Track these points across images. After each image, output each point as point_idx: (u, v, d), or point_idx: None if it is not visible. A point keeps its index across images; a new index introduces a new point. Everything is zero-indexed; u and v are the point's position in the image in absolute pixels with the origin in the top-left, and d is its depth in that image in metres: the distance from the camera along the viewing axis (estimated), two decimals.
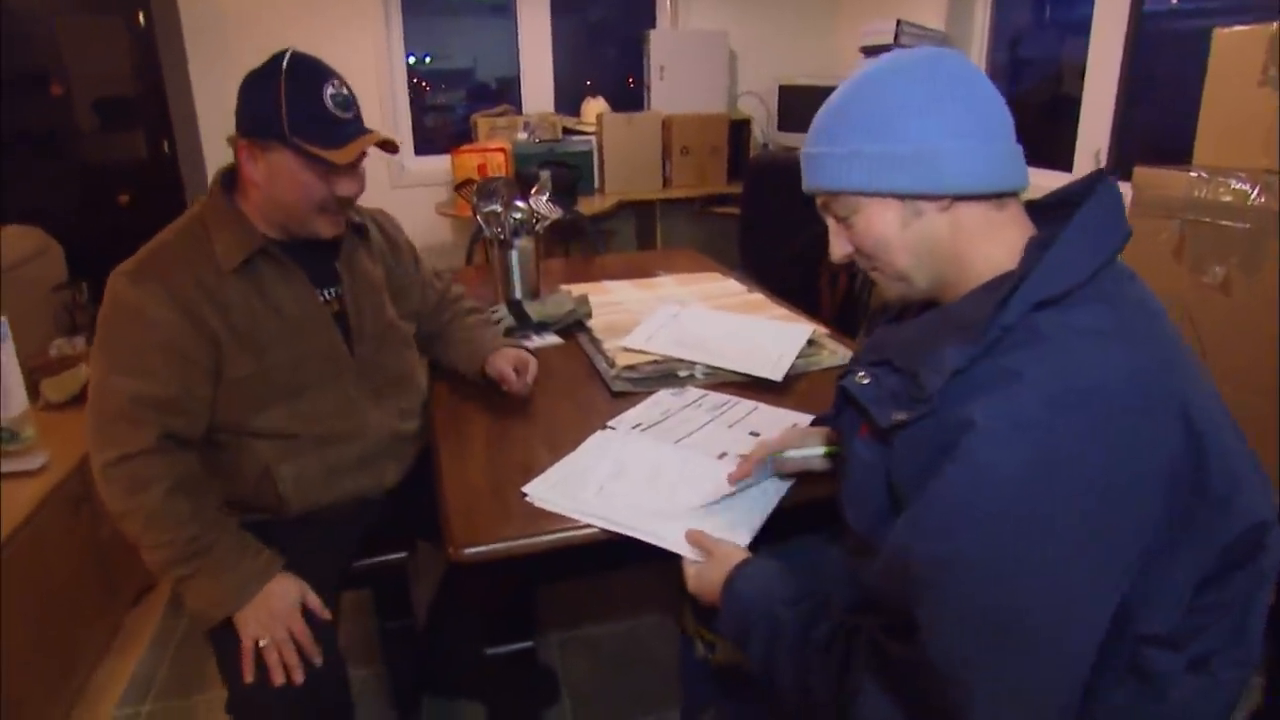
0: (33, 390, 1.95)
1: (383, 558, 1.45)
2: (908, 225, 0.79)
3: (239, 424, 1.25)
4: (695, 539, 0.99)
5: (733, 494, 1.10)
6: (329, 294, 1.33)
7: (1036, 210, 0.83)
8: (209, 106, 3.45)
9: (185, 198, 3.15)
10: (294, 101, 1.14)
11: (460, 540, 0.99)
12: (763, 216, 3.15)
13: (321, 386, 1.30)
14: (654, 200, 3.70)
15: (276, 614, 1.15)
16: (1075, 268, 0.70)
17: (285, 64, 1.16)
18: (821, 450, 1.08)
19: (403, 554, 1.47)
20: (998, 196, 0.78)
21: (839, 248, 0.86)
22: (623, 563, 1.07)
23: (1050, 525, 0.62)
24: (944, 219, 0.78)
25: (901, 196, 0.78)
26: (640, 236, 3.99)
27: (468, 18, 4.01)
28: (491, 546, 0.99)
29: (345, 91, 1.20)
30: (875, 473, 0.80)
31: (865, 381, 0.82)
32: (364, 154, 1.21)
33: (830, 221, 0.86)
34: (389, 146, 1.23)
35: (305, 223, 1.24)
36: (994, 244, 0.78)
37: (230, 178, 1.27)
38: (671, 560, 1.00)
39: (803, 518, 1.11)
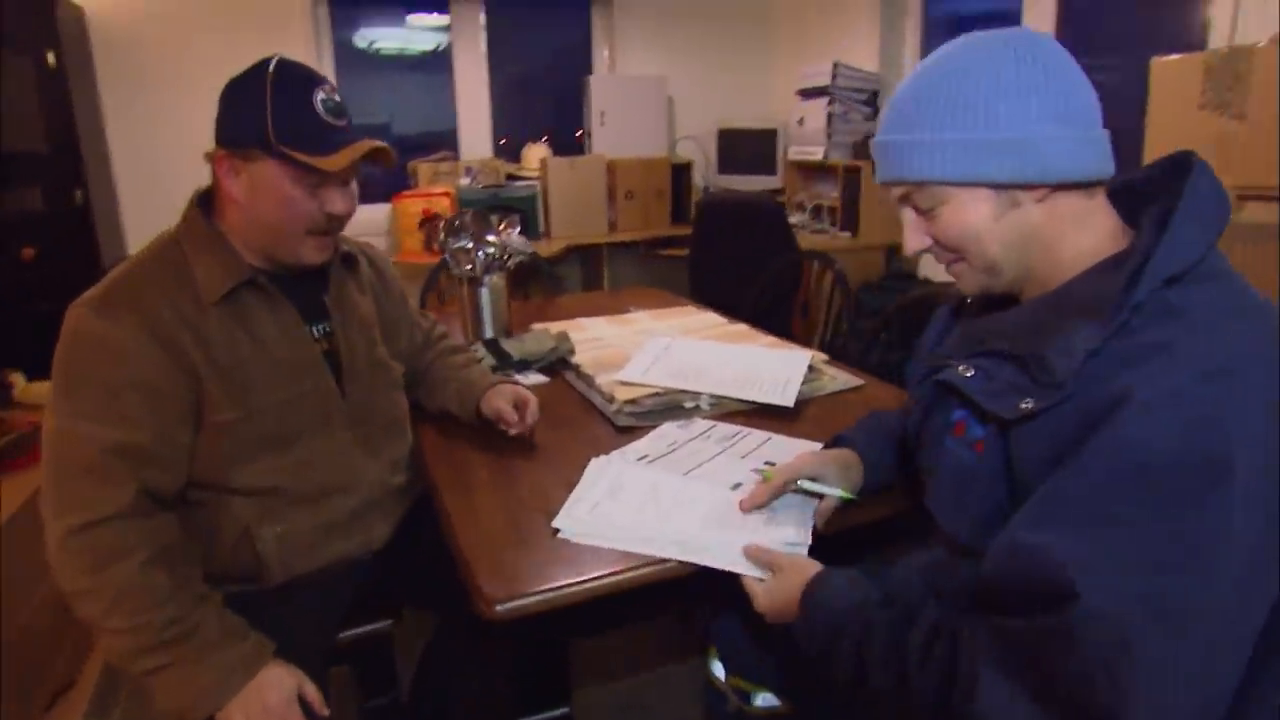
0: None
1: (366, 628, 1.30)
2: (1002, 216, 0.75)
3: (217, 478, 1.08)
4: (757, 554, 0.92)
5: (765, 515, 1.03)
6: (319, 330, 1.19)
7: (1111, 199, 0.80)
8: (124, 154, 3.23)
9: (99, 251, 2.90)
10: (281, 107, 1.02)
11: (492, 595, 0.87)
12: (713, 256, 3.15)
13: (310, 435, 1.15)
14: (601, 244, 3.66)
15: (272, 710, 0.98)
16: (1195, 244, 0.68)
17: (272, 68, 1.04)
18: (839, 492, 1.02)
19: (388, 622, 1.32)
20: (1090, 185, 0.76)
21: (915, 241, 0.81)
22: (669, 603, 0.97)
23: (1216, 497, 0.59)
24: (1040, 209, 0.75)
25: (996, 186, 0.74)
26: (587, 280, 3.93)
27: (391, 74, 3.92)
28: (530, 599, 0.87)
29: (338, 98, 1.08)
30: (976, 474, 0.76)
31: (970, 374, 0.77)
32: (357, 165, 1.09)
33: (908, 213, 0.82)
34: (384, 156, 1.10)
35: (291, 246, 1.10)
36: (1085, 233, 0.76)
37: (207, 199, 1.13)
38: (692, 604, 0.91)
39: (835, 546, 1.04)
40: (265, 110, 1.02)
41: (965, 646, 0.69)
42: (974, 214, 0.76)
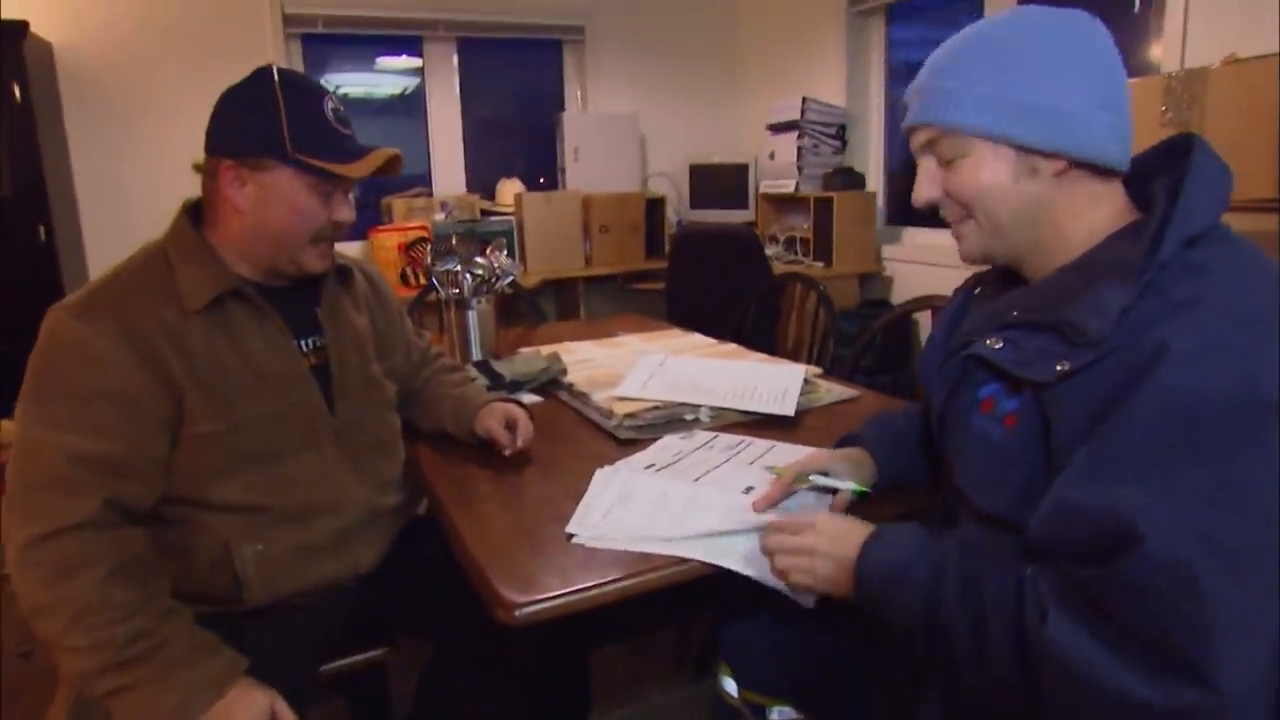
0: None
1: (357, 657, 1.24)
2: (1019, 180, 0.78)
3: (195, 494, 1.04)
4: (780, 522, 0.90)
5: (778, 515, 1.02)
6: (309, 344, 1.16)
7: None
8: (89, 192, 3.16)
9: (63, 289, 2.82)
10: (296, 116, 1.02)
11: (512, 600, 0.84)
12: (689, 287, 3.17)
13: (296, 451, 1.11)
14: (577, 277, 3.67)
15: None
16: (1207, 209, 0.71)
17: (277, 77, 1.03)
18: (853, 486, 1.02)
19: (382, 651, 1.26)
20: (1106, 171, 0.78)
21: (928, 189, 0.83)
22: (679, 611, 0.95)
23: (1263, 437, 0.61)
24: (1056, 183, 0.78)
25: (1021, 149, 0.77)
26: (563, 314, 3.92)
27: (361, 116, 3.93)
28: (553, 601, 0.84)
29: (343, 108, 1.09)
30: (1007, 447, 0.76)
31: (999, 346, 0.78)
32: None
33: (928, 162, 0.83)
34: (396, 166, 1.11)
35: (295, 254, 1.08)
36: (1097, 213, 0.79)
37: (196, 211, 1.11)
38: (699, 614, 0.89)
39: None
40: (279, 118, 1.01)
41: (1030, 585, 0.68)
42: (993, 172, 0.78)
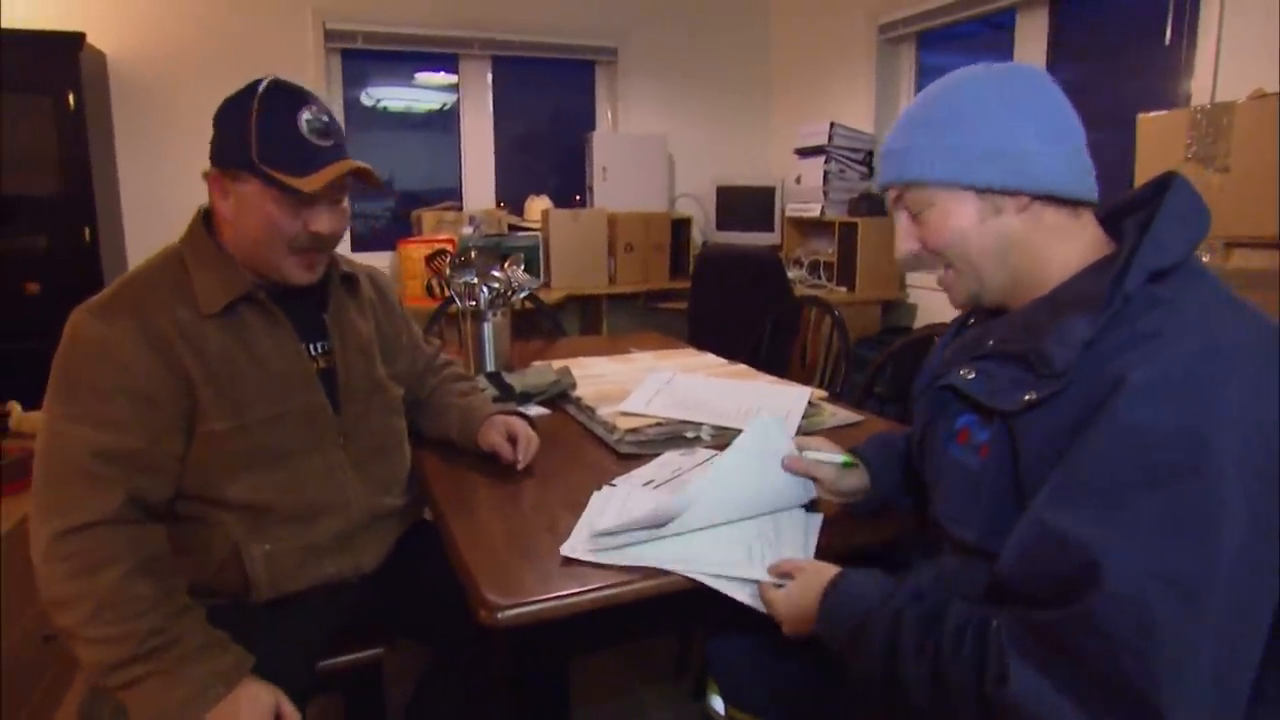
0: None
1: (356, 655, 1.26)
2: (984, 221, 0.81)
3: (206, 492, 1.08)
4: (776, 565, 0.92)
5: (768, 533, 1.04)
6: (317, 348, 1.20)
7: (1100, 221, 0.84)
8: (134, 197, 3.29)
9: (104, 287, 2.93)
10: (265, 126, 1.04)
11: (495, 602, 0.86)
12: (711, 308, 3.19)
13: (303, 451, 1.15)
14: (600, 294, 3.71)
15: None
16: (1177, 244, 0.72)
17: (262, 89, 1.06)
18: (840, 458, 1.05)
19: (378, 650, 1.29)
20: (1073, 204, 0.81)
21: (906, 244, 0.87)
22: (667, 622, 0.96)
23: (1210, 468, 0.61)
24: (1021, 219, 0.80)
25: (981, 191, 0.80)
26: (585, 330, 3.96)
27: (398, 130, 4.04)
28: (533, 607, 0.86)
29: (325, 118, 1.09)
30: (981, 476, 0.78)
31: (971, 377, 0.81)
32: (341, 185, 1.10)
33: (901, 217, 0.87)
34: (368, 177, 1.11)
35: (275, 263, 1.10)
36: (1070, 246, 0.81)
37: (210, 216, 1.15)
38: (688, 625, 0.90)
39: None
40: (250, 130, 1.04)
41: (993, 637, 0.69)
42: (958, 217, 0.82)
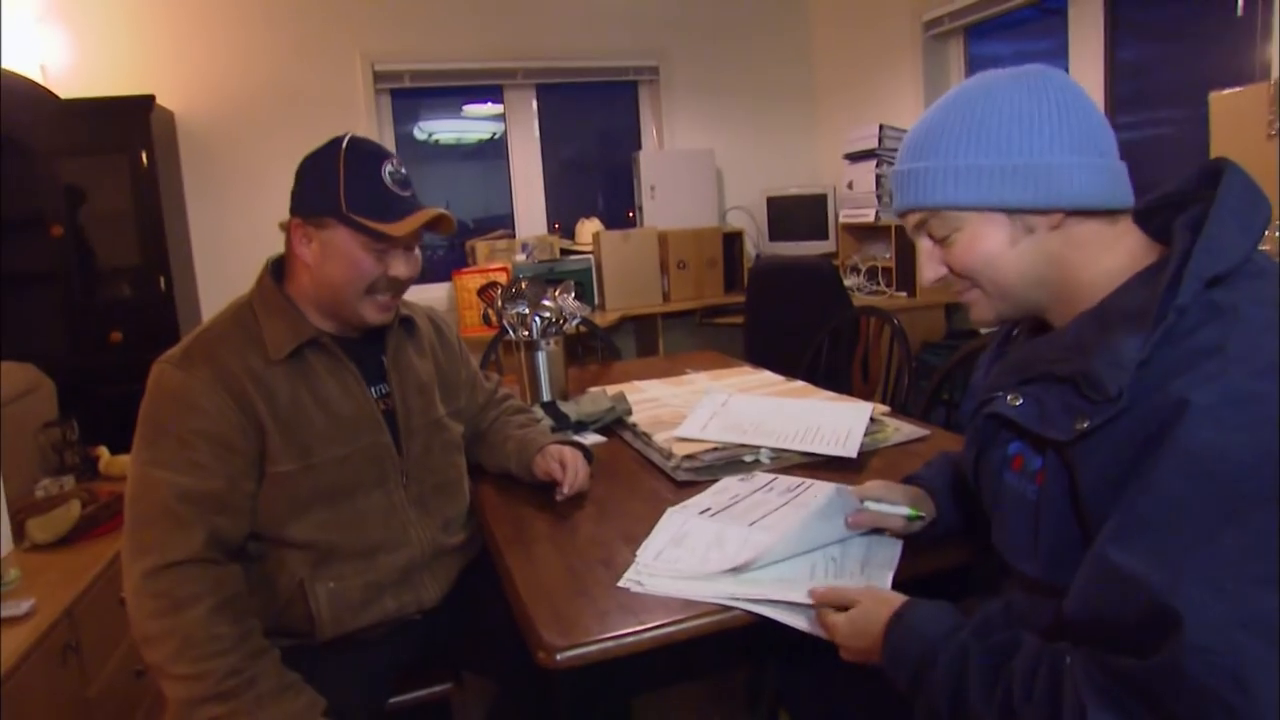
0: (18, 531, 1.78)
1: (423, 691, 1.27)
2: (1016, 242, 0.76)
3: (275, 530, 1.12)
4: (828, 595, 0.87)
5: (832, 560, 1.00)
6: (378, 391, 1.24)
7: (1142, 216, 0.79)
8: (204, 245, 3.44)
9: (179, 334, 3.07)
10: (353, 178, 1.11)
11: (552, 643, 0.85)
12: (768, 321, 3.14)
13: (366, 490, 1.18)
14: (655, 313, 3.70)
15: None
16: (1235, 245, 0.66)
17: (345, 144, 1.14)
18: (906, 511, 0.99)
19: (445, 686, 1.29)
20: (1109, 213, 0.75)
21: (931, 270, 0.81)
22: (734, 657, 0.93)
23: None
24: (1056, 236, 0.75)
25: (1011, 211, 0.75)
26: (642, 350, 3.96)
27: (450, 162, 4.14)
28: (591, 647, 0.84)
29: (403, 171, 1.17)
30: (1041, 506, 0.72)
31: (1019, 403, 0.75)
32: (420, 231, 1.16)
33: (923, 242, 0.82)
34: (445, 225, 1.18)
35: (355, 305, 1.16)
36: (1111, 257, 0.74)
37: (279, 267, 1.21)
38: (760, 659, 0.87)
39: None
40: (338, 181, 1.11)
41: (1069, 677, 0.63)
42: (988, 240, 0.76)
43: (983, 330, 3.19)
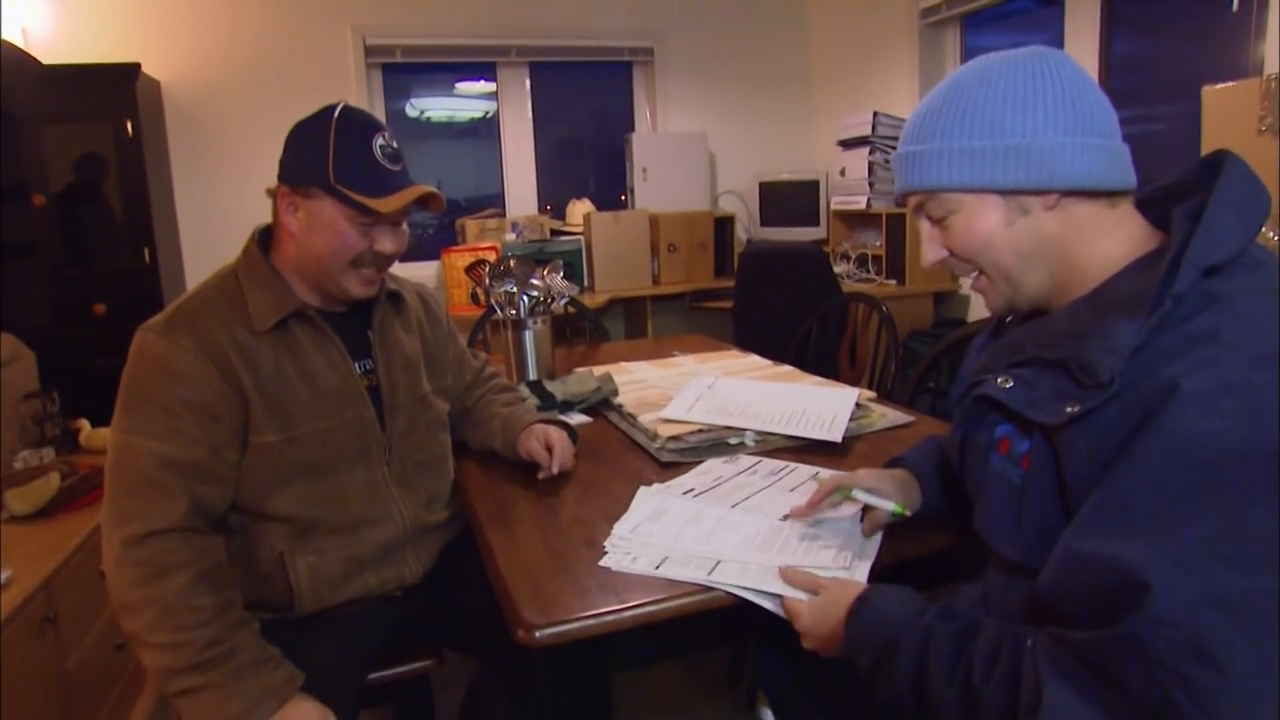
0: None
1: (404, 668, 1.27)
2: (1012, 223, 0.76)
3: (256, 503, 1.11)
4: (795, 577, 0.88)
5: (818, 533, 1.02)
6: (363, 366, 1.22)
7: (1144, 206, 0.79)
8: (189, 216, 3.40)
9: (164, 306, 3.03)
10: (342, 149, 1.09)
11: (532, 621, 0.85)
12: (757, 306, 3.14)
13: (348, 465, 1.18)
14: (645, 296, 3.69)
15: None
16: (1233, 235, 0.66)
17: (337, 114, 1.12)
18: (893, 506, 0.99)
19: (426, 662, 1.30)
20: (1109, 195, 0.75)
21: (932, 252, 0.82)
22: (713, 637, 0.93)
23: None
24: (1052, 217, 0.75)
25: (1004, 192, 0.75)
26: (630, 332, 3.95)
27: (441, 140, 4.09)
28: (571, 625, 0.84)
29: (395, 145, 1.15)
30: (1026, 489, 0.73)
31: (1009, 386, 0.75)
32: (408, 210, 1.15)
33: (924, 225, 0.83)
34: (435, 203, 1.16)
35: (338, 278, 1.15)
36: (1109, 239, 0.75)
37: (266, 236, 1.19)
38: (739, 641, 0.87)
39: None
40: (328, 152, 1.09)
41: (1030, 656, 0.64)
42: (984, 221, 0.76)
43: (969, 320, 3.21)
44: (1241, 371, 0.59)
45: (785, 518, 1.07)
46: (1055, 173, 0.73)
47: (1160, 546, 0.57)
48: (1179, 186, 0.76)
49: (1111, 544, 0.59)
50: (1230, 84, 1.90)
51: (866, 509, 1.01)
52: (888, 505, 0.99)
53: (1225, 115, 1.89)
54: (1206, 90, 1.93)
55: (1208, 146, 1.93)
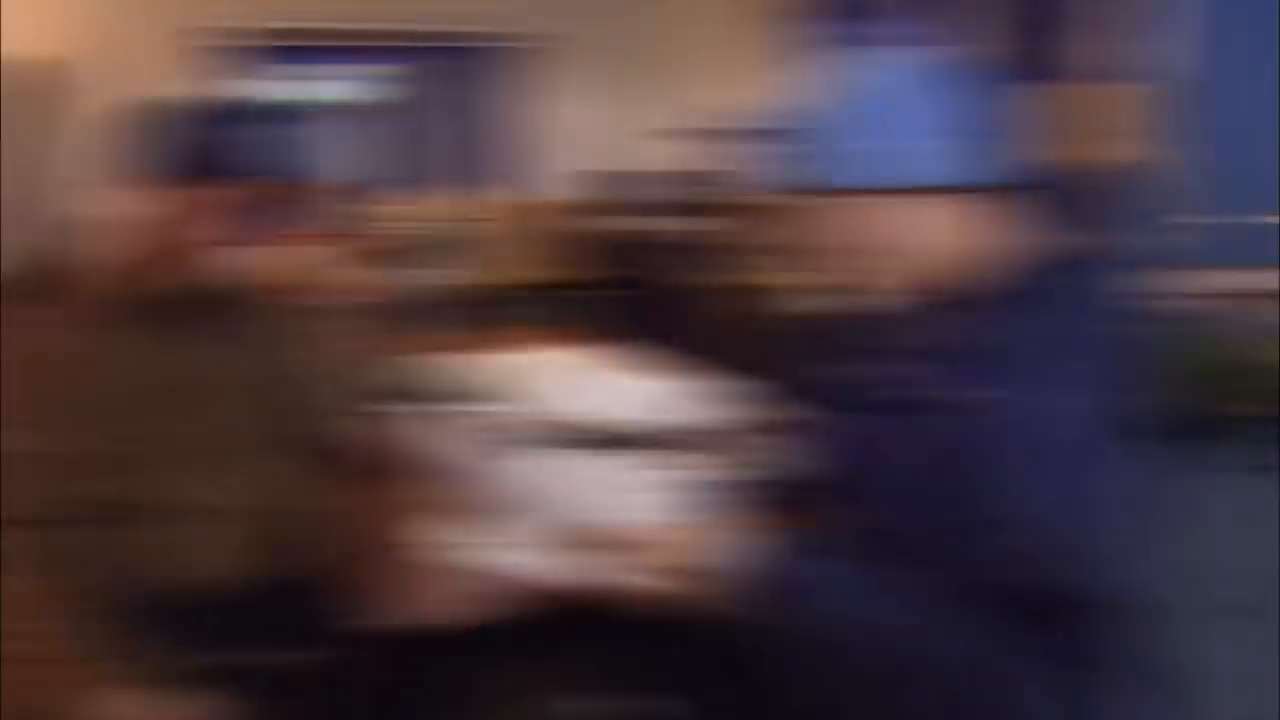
0: None
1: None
2: (894, 223, 0.79)
3: (156, 494, 1.06)
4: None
5: None
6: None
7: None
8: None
9: None
10: (195, 136, 1.07)
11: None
12: (626, 298, 3.16)
13: (243, 453, 1.13)
14: (511, 286, 3.64)
15: None
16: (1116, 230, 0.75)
17: (191, 97, 1.14)
18: None
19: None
20: (985, 192, 0.79)
21: (816, 248, 0.84)
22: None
23: None
24: (929, 216, 0.78)
25: (882, 192, 0.78)
26: (502, 324, 3.88)
27: (309, 126, 3.89)
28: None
29: (259, 131, 1.14)
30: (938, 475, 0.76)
31: (902, 373, 0.79)
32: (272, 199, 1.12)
33: (809, 223, 0.84)
34: (301, 191, 1.19)
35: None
36: (996, 237, 0.79)
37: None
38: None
39: None
40: (179, 140, 1.06)
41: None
42: (865, 222, 0.79)
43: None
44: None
45: None
46: (928, 172, 0.77)
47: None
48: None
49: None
50: None
51: None
52: None
53: None
54: None
55: None
